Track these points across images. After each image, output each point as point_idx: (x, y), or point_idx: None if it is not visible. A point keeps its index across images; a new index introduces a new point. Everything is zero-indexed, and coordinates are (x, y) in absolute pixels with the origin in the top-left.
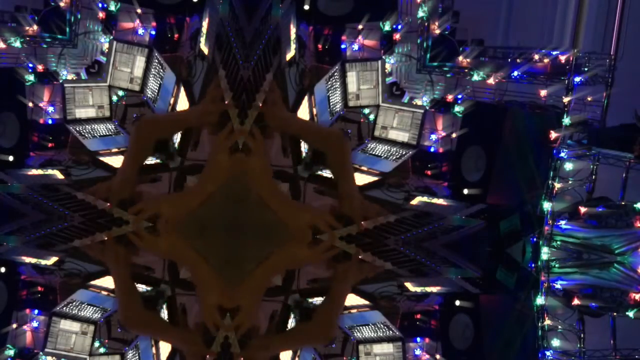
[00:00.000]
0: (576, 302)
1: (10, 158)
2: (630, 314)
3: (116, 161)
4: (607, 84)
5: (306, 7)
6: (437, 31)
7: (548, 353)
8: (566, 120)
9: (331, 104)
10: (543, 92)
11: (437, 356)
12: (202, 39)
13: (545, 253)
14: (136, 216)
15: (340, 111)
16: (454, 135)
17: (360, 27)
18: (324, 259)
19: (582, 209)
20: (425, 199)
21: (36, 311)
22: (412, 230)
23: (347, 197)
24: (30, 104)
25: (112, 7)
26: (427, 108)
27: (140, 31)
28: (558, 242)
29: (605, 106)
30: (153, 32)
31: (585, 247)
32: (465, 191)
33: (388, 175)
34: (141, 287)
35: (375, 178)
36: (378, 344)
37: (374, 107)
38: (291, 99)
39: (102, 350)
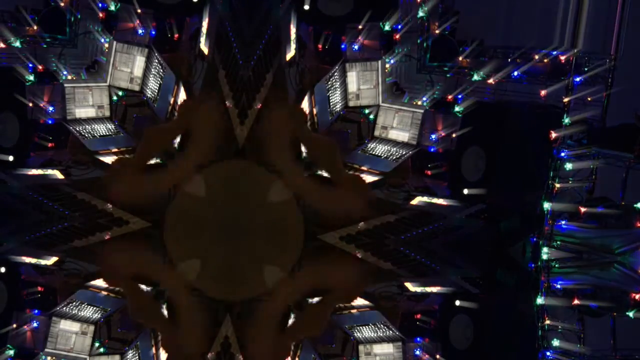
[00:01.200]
0: (576, 302)
1: (10, 158)
2: (630, 314)
3: None
4: (607, 84)
5: (306, 7)
6: (437, 31)
7: (548, 353)
8: (566, 120)
9: (331, 104)
10: (543, 92)
11: (437, 356)
12: (202, 39)
13: (545, 253)
14: None
15: (341, 111)
16: (454, 135)
17: (360, 27)
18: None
19: (582, 209)
20: (425, 199)
21: (36, 311)
22: (412, 230)
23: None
24: (30, 104)
25: (112, 7)
26: (427, 108)
27: (140, 31)
28: (558, 242)
29: (605, 106)
30: (153, 32)
31: (585, 247)
32: (465, 191)
33: (388, 175)
34: (141, 287)
35: (375, 178)
36: (378, 344)
37: (374, 107)
38: (291, 99)
39: (102, 350)
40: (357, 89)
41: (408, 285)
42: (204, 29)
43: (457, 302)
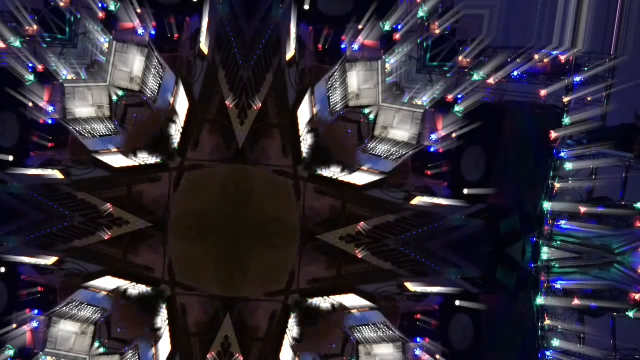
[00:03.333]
0: (576, 302)
1: (10, 158)
2: (630, 314)
3: (116, 161)
4: (607, 84)
5: (306, 7)
6: (437, 31)
7: (548, 353)
8: (566, 120)
9: (331, 103)
10: (543, 92)
11: (437, 356)
12: (202, 39)
13: (545, 253)
14: None
15: (341, 111)
16: (454, 135)
17: (360, 27)
18: None
19: (582, 209)
20: (425, 199)
21: (36, 311)
22: (412, 230)
23: None
24: (30, 104)
25: (112, 7)
26: (427, 108)
27: (140, 31)
28: (558, 242)
29: (605, 106)
30: (153, 32)
31: (585, 247)
32: (465, 191)
33: (388, 175)
34: (141, 287)
35: (376, 178)
36: (378, 344)
37: (374, 107)
38: (291, 99)
39: (102, 350)
40: (357, 89)
41: (408, 285)
42: (204, 29)
43: (457, 302)
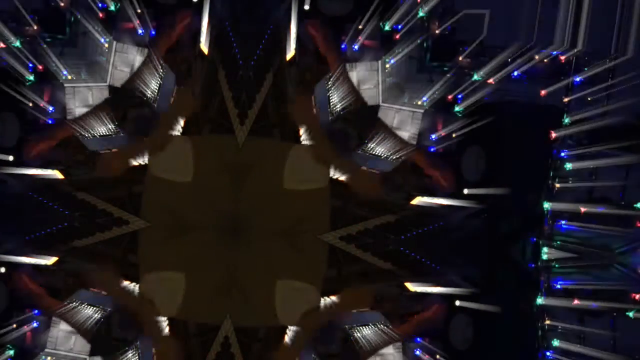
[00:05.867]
0: (576, 302)
1: (10, 158)
2: (630, 314)
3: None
4: (607, 84)
5: (306, 7)
6: (437, 31)
7: (548, 353)
8: (566, 120)
9: (331, 104)
10: (543, 92)
11: (437, 356)
12: (202, 39)
13: (545, 253)
14: None
15: (341, 111)
16: (454, 135)
17: (360, 27)
18: None
19: (582, 209)
20: (425, 199)
21: (36, 311)
22: (412, 230)
23: None
24: (30, 104)
25: (112, 7)
26: (427, 108)
27: (140, 31)
28: (558, 242)
29: (605, 106)
30: (153, 32)
31: (585, 247)
32: (466, 191)
33: (388, 175)
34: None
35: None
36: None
37: (374, 107)
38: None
39: None
40: (357, 89)
41: (408, 285)
42: (204, 29)
43: (457, 302)
